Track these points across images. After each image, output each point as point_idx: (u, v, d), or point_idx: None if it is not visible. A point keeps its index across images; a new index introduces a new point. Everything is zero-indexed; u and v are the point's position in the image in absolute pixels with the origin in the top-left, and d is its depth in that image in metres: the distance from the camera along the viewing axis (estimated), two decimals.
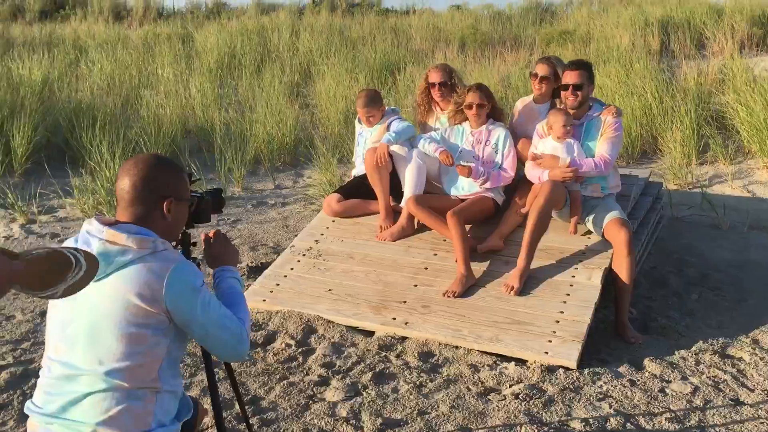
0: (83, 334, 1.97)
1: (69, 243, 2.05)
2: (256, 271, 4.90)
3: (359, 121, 5.27)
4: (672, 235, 5.80)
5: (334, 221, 4.95)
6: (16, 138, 7.10)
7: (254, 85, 10.28)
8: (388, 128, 5.03)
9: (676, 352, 3.80)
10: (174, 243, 2.27)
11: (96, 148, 7.00)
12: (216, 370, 2.73)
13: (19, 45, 13.21)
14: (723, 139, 7.78)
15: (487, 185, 4.54)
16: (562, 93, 4.38)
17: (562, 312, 3.87)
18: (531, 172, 4.43)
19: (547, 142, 4.41)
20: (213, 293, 2.11)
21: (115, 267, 1.97)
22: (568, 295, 3.99)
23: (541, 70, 4.67)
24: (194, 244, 2.41)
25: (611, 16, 14.61)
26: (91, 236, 2.01)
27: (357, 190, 5.06)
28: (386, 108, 5.20)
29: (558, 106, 4.60)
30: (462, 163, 4.53)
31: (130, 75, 10.91)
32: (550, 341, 3.70)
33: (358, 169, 5.17)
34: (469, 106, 4.62)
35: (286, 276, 4.46)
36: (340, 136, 8.38)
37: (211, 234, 2.39)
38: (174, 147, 7.72)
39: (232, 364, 2.71)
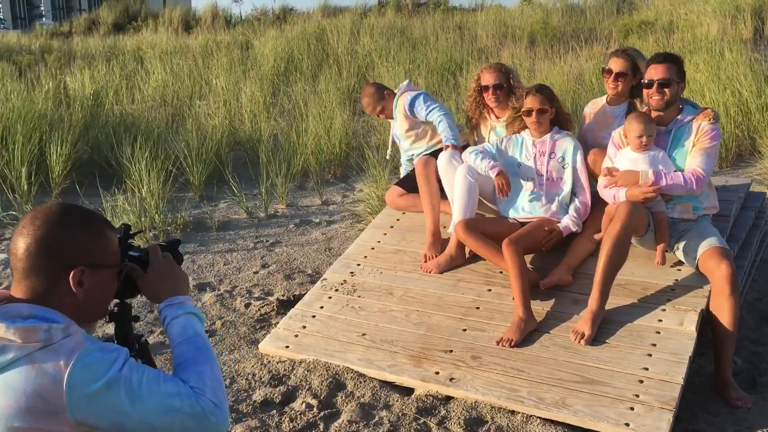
0: None
1: None
2: (286, 305, 4.30)
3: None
4: None
5: (373, 249, 4.31)
6: (53, 155, 6.77)
7: (308, 91, 9.76)
8: (411, 113, 4.46)
9: None
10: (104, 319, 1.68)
11: (134, 166, 6.59)
12: None
13: (80, 57, 13.16)
14: None
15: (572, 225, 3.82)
16: (645, 92, 3.59)
17: (646, 368, 3.09)
18: (605, 190, 3.67)
19: (625, 153, 3.63)
20: (141, 367, 1.48)
21: None
22: (654, 345, 3.20)
23: (616, 64, 3.88)
24: (136, 318, 1.80)
25: (697, 4, 13.39)
26: None
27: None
28: (392, 94, 4.66)
29: (639, 109, 3.81)
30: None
31: (183, 85, 10.58)
32: (631, 408, 2.93)
33: (406, 167, 4.79)
34: (528, 112, 3.88)
35: (314, 316, 3.84)
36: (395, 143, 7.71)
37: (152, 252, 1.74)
38: (217, 161, 7.24)
39: None
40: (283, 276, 4.94)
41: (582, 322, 3.34)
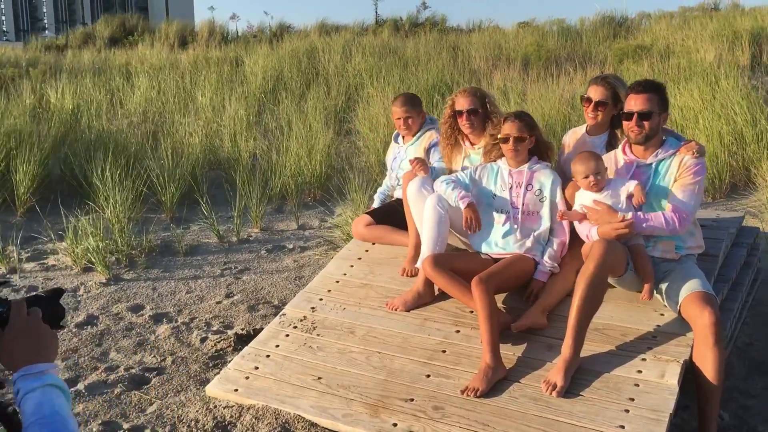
0: None
1: None
2: (244, 341, 4.00)
3: (395, 139, 4.55)
4: None
5: (338, 282, 4.03)
6: (18, 172, 6.50)
7: (294, 111, 9.52)
8: (428, 152, 4.24)
9: None
10: None
11: (103, 185, 6.33)
12: None
13: (67, 71, 12.94)
14: None
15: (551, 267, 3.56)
16: (625, 123, 3.34)
17: (622, 426, 2.80)
18: (579, 226, 3.41)
19: (586, 194, 3.38)
20: None
21: None
22: (632, 400, 2.91)
23: (596, 93, 3.63)
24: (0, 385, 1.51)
25: (694, 29, 13.21)
26: None
27: (390, 216, 4.28)
28: (426, 116, 4.47)
29: (620, 140, 3.56)
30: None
31: (168, 102, 10.35)
32: None
33: (396, 192, 4.49)
34: (505, 140, 3.62)
35: (268, 356, 3.55)
36: (379, 167, 7.47)
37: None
38: (192, 181, 6.98)
39: None
40: (246, 307, 4.66)
41: (554, 371, 3.06)
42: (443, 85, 10.40)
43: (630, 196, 3.28)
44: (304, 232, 6.32)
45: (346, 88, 11.13)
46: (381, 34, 18.87)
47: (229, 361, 3.72)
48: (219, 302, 4.76)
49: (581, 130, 3.81)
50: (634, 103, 3.27)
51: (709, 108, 7.56)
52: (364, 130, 8.71)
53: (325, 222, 6.56)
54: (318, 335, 3.62)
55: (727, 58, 10.79)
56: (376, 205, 4.61)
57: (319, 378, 3.34)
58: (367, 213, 4.45)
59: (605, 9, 21.41)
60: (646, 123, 3.25)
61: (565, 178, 3.67)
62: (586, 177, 3.30)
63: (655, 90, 3.29)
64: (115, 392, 3.53)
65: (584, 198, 3.35)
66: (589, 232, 3.28)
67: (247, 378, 3.42)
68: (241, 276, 5.26)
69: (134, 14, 30.79)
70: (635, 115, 3.24)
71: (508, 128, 3.62)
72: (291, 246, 5.93)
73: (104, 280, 5.12)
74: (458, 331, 3.48)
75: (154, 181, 6.69)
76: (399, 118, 4.37)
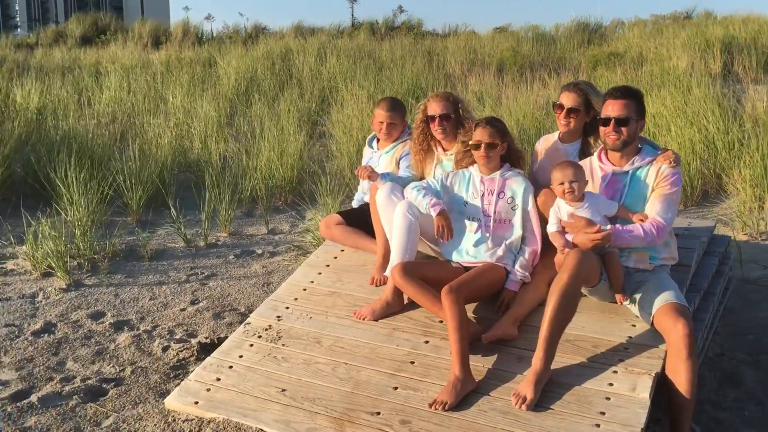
0: None
1: None
2: (208, 350, 3.87)
3: (369, 144, 4.42)
4: (744, 305, 4.58)
5: (305, 290, 3.92)
6: None
7: (267, 113, 9.38)
8: (398, 162, 4.13)
9: None
10: None
11: (66, 187, 6.15)
12: None
13: (35, 69, 12.67)
14: None
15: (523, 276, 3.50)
16: (602, 129, 3.28)
17: None
18: (555, 234, 3.35)
19: (563, 206, 3.32)
20: None
21: None
22: (603, 414, 2.84)
23: (568, 99, 3.57)
24: None
25: (667, 37, 13.33)
26: None
27: (361, 220, 4.16)
28: (407, 124, 4.33)
29: (594, 148, 3.50)
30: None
31: (138, 102, 10.16)
32: None
33: (366, 196, 4.33)
34: (477, 146, 3.54)
35: (231, 367, 3.42)
36: (352, 171, 7.37)
37: None
38: (160, 184, 6.82)
39: None
40: (212, 314, 4.53)
41: (525, 383, 2.98)
42: (418, 89, 10.36)
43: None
44: (274, 237, 6.19)
45: (320, 90, 11.03)
46: (357, 37, 18.81)
47: (192, 372, 3.59)
48: (183, 309, 4.62)
49: (553, 137, 3.75)
50: (611, 109, 3.21)
51: (681, 116, 7.58)
52: (337, 133, 8.61)
53: (296, 227, 6.45)
54: (283, 345, 3.51)
55: (699, 66, 10.88)
56: (355, 204, 4.50)
57: (283, 390, 3.22)
58: (338, 213, 4.35)
59: (580, 15, 21.58)
60: (623, 129, 3.20)
61: (537, 185, 3.60)
62: (561, 184, 3.23)
63: (632, 96, 3.24)
64: (70, 404, 3.38)
65: (562, 211, 3.28)
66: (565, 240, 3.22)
67: (209, 390, 3.30)
68: (207, 282, 5.13)
69: (108, 13, 30.40)
70: (613, 121, 3.19)
71: (480, 134, 3.54)
72: (260, 251, 5.81)
73: (64, 286, 4.95)
74: (427, 342, 3.40)
75: (120, 184, 6.52)
76: (382, 122, 4.21)
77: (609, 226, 3.18)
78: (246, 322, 3.74)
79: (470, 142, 3.57)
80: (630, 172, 3.28)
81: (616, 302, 3.28)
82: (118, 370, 3.77)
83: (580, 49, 13.90)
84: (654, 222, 3.15)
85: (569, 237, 3.20)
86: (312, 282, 3.98)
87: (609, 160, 3.36)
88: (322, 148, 8.63)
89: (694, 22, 16.17)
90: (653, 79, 9.87)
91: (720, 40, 12.08)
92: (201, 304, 4.72)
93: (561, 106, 3.58)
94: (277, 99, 10.46)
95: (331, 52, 13.19)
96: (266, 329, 3.64)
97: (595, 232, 3.12)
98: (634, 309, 3.24)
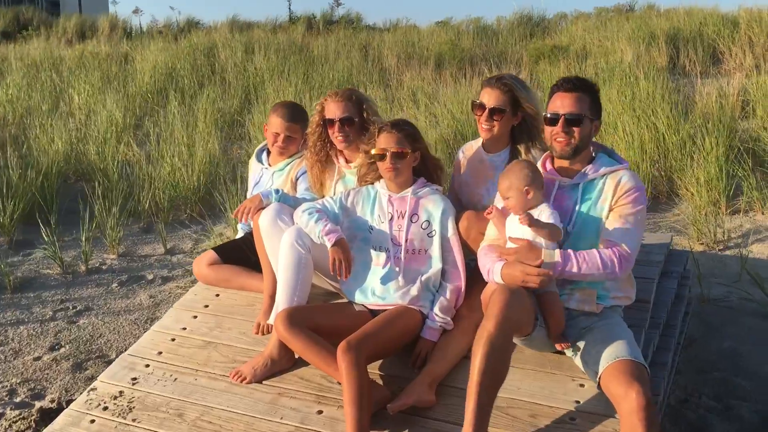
0: None
1: None
2: (49, 418, 3.01)
3: (258, 157, 3.57)
4: (706, 332, 3.95)
5: (173, 340, 3.10)
6: None
7: (181, 113, 8.47)
8: (295, 183, 3.28)
9: None
10: None
11: None
12: None
13: None
14: (758, 179, 5.95)
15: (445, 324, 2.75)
16: (547, 130, 2.55)
17: None
18: (483, 260, 2.60)
19: (510, 219, 2.58)
20: None
21: None
22: None
23: (490, 97, 2.83)
24: None
25: (611, 30, 12.82)
26: None
27: (239, 254, 3.41)
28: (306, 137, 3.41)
29: (524, 156, 2.78)
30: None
31: (35, 102, 9.11)
32: None
33: (244, 225, 3.58)
34: (381, 156, 2.79)
35: None
36: None
37: None
38: (39, 197, 5.86)
39: None
40: (71, 365, 3.67)
41: None
42: (351, 85, 9.56)
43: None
44: (172, 259, 5.33)
45: (243, 88, 10.14)
46: (293, 32, 17.91)
47: None
48: (38, 358, 3.75)
49: (477, 143, 2.99)
50: (560, 104, 2.49)
51: (629, 111, 6.98)
52: (259, 135, 7.76)
53: (199, 245, 5.59)
54: (134, 420, 2.69)
55: (645, 59, 10.38)
56: (238, 236, 3.71)
57: None
58: (213, 249, 3.52)
59: (523, 8, 21.15)
60: (575, 130, 2.48)
61: (459, 205, 2.87)
62: (511, 189, 2.49)
63: (587, 90, 2.53)
64: None
65: (509, 229, 2.54)
66: (492, 267, 2.47)
67: None
68: (77, 319, 4.25)
69: (31, 7, 28.74)
70: (562, 119, 2.46)
71: (385, 141, 2.78)
72: (151, 276, 4.94)
73: None
74: (320, 412, 2.62)
75: None
76: (278, 134, 3.38)
77: (557, 252, 2.44)
78: (91, 387, 2.90)
79: (373, 152, 2.81)
80: (581, 184, 2.56)
81: (558, 350, 2.57)
82: None
83: (522, 42, 13.29)
84: (616, 250, 2.43)
85: (498, 264, 2.44)
86: (184, 329, 3.17)
87: (555, 169, 2.64)
88: (241, 152, 7.77)
89: (638, 14, 15.76)
90: (599, 72, 9.29)
91: (665, 32, 11.62)
92: (62, 350, 3.85)
93: (482, 106, 2.82)
94: (196, 98, 9.53)
95: (260, 47, 12.29)
96: (115, 397, 2.81)
97: (537, 266, 2.39)
98: (578, 362, 2.53)
